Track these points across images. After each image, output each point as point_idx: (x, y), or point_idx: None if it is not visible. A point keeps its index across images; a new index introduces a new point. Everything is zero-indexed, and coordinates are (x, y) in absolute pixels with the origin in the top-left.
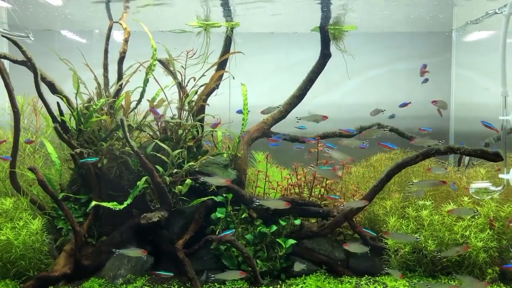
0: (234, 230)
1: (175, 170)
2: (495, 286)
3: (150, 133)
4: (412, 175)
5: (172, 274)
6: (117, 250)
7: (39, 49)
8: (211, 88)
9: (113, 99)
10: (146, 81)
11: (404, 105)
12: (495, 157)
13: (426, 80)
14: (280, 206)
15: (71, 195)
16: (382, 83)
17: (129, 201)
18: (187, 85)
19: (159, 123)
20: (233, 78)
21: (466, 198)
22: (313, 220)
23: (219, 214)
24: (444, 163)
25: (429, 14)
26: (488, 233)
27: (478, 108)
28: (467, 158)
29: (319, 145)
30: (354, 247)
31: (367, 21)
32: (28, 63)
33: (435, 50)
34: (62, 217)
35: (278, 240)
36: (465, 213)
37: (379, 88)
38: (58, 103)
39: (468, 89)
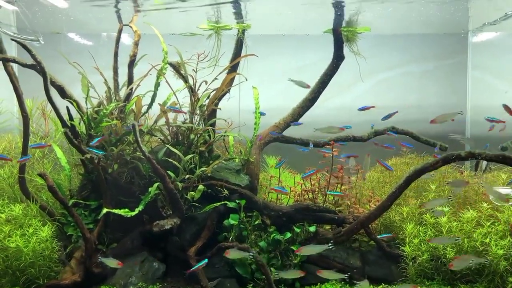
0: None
1: (187, 176)
2: None
3: (161, 137)
4: (429, 180)
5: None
6: (100, 258)
7: (47, 52)
8: (222, 92)
9: (124, 103)
10: (157, 85)
11: (365, 108)
12: None
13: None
14: None
15: (81, 201)
16: (395, 86)
17: (140, 207)
18: (198, 89)
19: (171, 128)
20: (246, 80)
21: (485, 204)
22: (327, 227)
23: (232, 220)
24: (461, 167)
25: (444, 15)
26: (509, 240)
27: (496, 111)
28: (484, 162)
29: (333, 149)
30: (234, 254)
31: (381, 23)
32: (38, 67)
33: (450, 52)
34: (72, 224)
35: (292, 247)
36: (438, 204)
37: (392, 91)
38: (67, 107)
39: (485, 92)
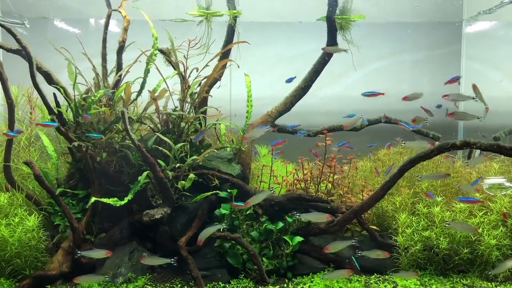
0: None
1: (178, 165)
2: (508, 285)
3: (151, 125)
4: (422, 170)
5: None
6: (79, 252)
7: (34, 38)
8: (213, 79)
9: (113, 90)
10: (146, 71)
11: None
12: None
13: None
14: None
15: (68, 190)
16: (388, 75)
17: (130, 197)
18: (189, 76)
19: (161, 116)
20: (238, 67)
21: (477, 194)
22: None
23: (223, 210)
24: (453, 157)
25: (438, 3)
26: (501, 230)
27: (489, 101)
28: (477, 152)
29: (327, 139)
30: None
31: (374, 11)
32: (23, 52)
33: (444, 41)
34: (59, 213)
35: (284, 237)
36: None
37: (384, 80)
38: (54, 94)
39: (478, 82)
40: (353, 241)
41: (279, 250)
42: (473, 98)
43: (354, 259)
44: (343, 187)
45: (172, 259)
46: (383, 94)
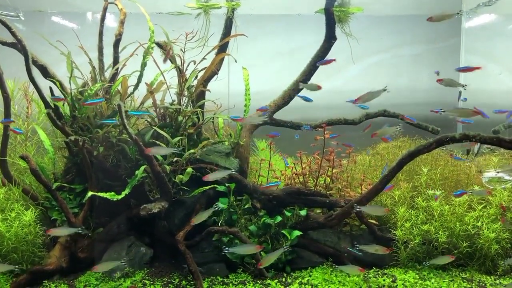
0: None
1: (175, 159)
2: (508, 278)
3: (148, 119)
4: (421, 163)
5: None
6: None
7: (31, 32)
8: (211, 73)
9: (109, 84)
10: (143, 65)
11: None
12: None
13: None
14: None
15: (65, 184)
16: (386, 69)
17: (127, 191)
18: (186, 70)
19: (158, 109)
20: (235, 61)
21: (476, 187)
22: (318, 211)
23: (221, 204)
24: (452, 151)
25: None
26: (501, 223)
27: (488, 95)
28: (476, 146)
29: (325, 132)
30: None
31: (373, 3)
32: (19, 45)
33: (443, 35)
34: (56, 208)
35: (283, 231)
36: None
37: (383, 74)
38: (50, 88)
39: (478, 76)
40: (285, 247)
41: (278, 244)
42: (463, 86)
43: (351, 249)
44: (341, 181)
45: (122, 261)
46: (334, 60)
